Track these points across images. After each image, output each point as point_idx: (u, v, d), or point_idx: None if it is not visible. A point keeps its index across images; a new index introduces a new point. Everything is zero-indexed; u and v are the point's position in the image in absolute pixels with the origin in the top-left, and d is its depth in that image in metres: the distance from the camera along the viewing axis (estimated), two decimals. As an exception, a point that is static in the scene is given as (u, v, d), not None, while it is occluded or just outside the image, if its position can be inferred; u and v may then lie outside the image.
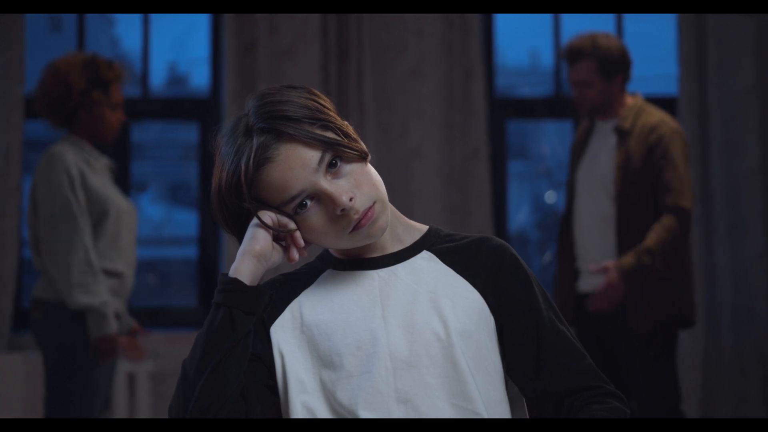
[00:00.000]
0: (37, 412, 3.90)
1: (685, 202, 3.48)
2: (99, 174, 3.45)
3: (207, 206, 4.69)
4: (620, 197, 3.55)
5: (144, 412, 4.36)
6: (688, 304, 3.56)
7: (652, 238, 3.45)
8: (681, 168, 3.51)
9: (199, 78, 6.39)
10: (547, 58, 4.02)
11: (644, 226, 3.52)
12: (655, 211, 3.53)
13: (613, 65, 3.62)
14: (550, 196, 8.59)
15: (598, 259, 3.61)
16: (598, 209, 3.63)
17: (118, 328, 3.40)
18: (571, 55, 3.67)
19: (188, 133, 5.37)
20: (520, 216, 8.17)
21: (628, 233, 3.54)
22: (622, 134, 3.59)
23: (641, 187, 3.53)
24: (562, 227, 3.80)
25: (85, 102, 3.42)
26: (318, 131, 1.52)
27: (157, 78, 7.10)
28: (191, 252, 5.07)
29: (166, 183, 8.05)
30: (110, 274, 3.38)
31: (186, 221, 6.12)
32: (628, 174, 3.54)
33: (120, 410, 4.32)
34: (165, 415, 4.36)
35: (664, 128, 3.54)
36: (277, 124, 1.51)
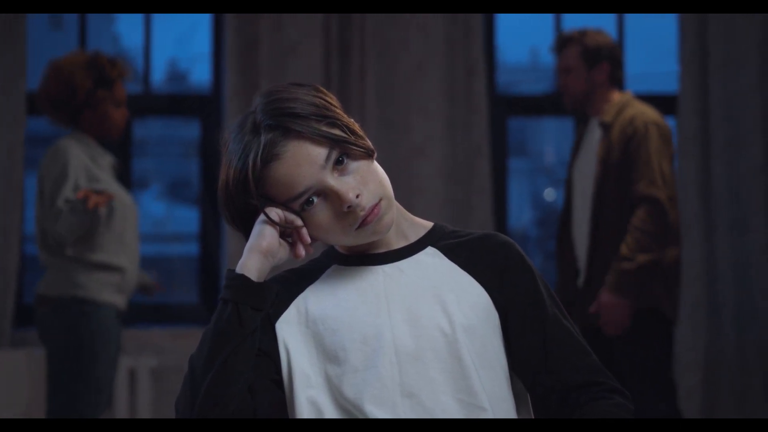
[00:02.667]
0: (40, 408, 3.91)
1: (656, 191, 3.46)
2: (103, 171, 3.46)
3: (208, 203, 4.69)
4: (599, 191, 3.56)
5: (145, 408, 4.36)
6: (667, 300, 3.55)
7: (625, 244, 3.43)
8: (654, 158, 3.49)
9: (201, 74, 6.39)
10: (547, 55, 4.04)
11: (620, 220, 3.52)
12: (631, 205, 3.53)
13: (597, 52, 3.64)
14: (550, 194, 8.60)
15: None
16: (588, 207, 3.63)
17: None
18: (559, 42, 3.73)
19: (190, 130, 5.38)
20: (520, 213, 8.18)
21: (603, 227, 3.54)
22: (604, 128, 3.61)
23: (619, 181, 3.53)
24: (560, 225, 3.81)
25: (90, 101, 3.43)
26: (325, 128, 1.53)
27: (158, 74, 7.11)
28: (192, 249, 5.07)
29: (167, 180, 8.06)
30: (112, 268, 3.39)
31: (187, 218, 6.13)
32: (607, 168, 3.55)
33: (121, 406, 4.32)
34: (166, 412, 4.38)
35: (641, 120, 3.53)
36: (284, 122, 1.52)
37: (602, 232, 3.55)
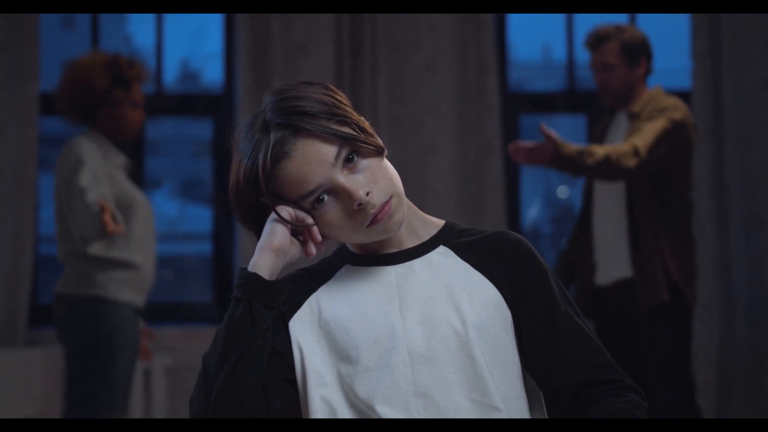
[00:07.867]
0: (55, 407, 3.92)
1: (638, 143, 3.41)
2: (115, 170, 3.47)
3: (221, 202, 4.70)
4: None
5: (159, 407, 4.38)
6: (689, 294, 3.54)
7: (606, 148, 3.39)
8: (651, 134, 3.44)
9: (213, 74, 6.40)
10: (559, 52, 4.02)
11: (651, 209, 3.51)
12: (661, 193, 3.52)
13: (637, 50, 3.63)
14: (563, 191, 8.58)
15: (614, 251, 3.61)
16: (614, 200, 3.62)
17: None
18: (596, 38, 3.68)
19: (202, 129, 5.39)
20: (533, 211, 8.17)
21: (636, 214, 3.53)
22: (631, 118, 3.60)
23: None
24: (580, 220, 3.79)
25: (107, 100, 3.45)
26: (335, 126, 1.53)
27: (171, 74, 7.12)
28: (206, 248, 5.08)
29: (180, 179, 8.07)
30: (127, 265, 3.39)
31: (200, 217, 6.13)
32: None
33: (136, 406, 4.33)
34: (181, 411, 4.39)
35: (669, 111, 3.53)
36: (294, 120, 1.52)
37: (636, 218, 3.53)
